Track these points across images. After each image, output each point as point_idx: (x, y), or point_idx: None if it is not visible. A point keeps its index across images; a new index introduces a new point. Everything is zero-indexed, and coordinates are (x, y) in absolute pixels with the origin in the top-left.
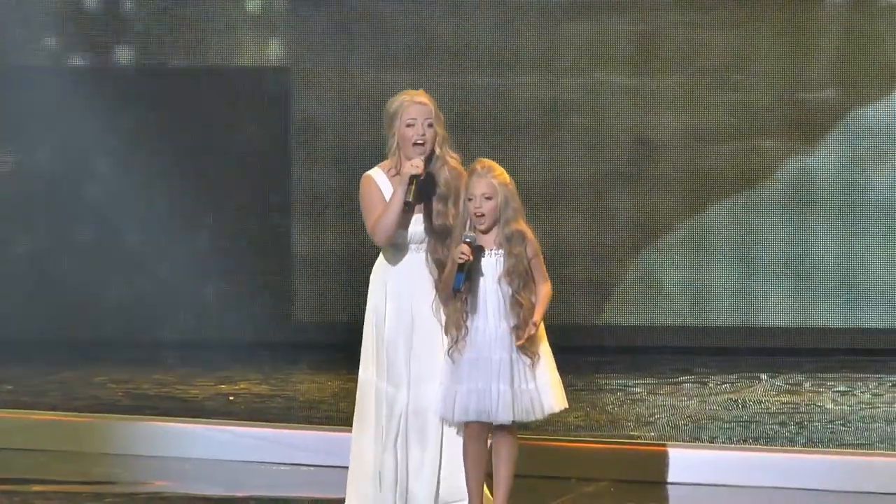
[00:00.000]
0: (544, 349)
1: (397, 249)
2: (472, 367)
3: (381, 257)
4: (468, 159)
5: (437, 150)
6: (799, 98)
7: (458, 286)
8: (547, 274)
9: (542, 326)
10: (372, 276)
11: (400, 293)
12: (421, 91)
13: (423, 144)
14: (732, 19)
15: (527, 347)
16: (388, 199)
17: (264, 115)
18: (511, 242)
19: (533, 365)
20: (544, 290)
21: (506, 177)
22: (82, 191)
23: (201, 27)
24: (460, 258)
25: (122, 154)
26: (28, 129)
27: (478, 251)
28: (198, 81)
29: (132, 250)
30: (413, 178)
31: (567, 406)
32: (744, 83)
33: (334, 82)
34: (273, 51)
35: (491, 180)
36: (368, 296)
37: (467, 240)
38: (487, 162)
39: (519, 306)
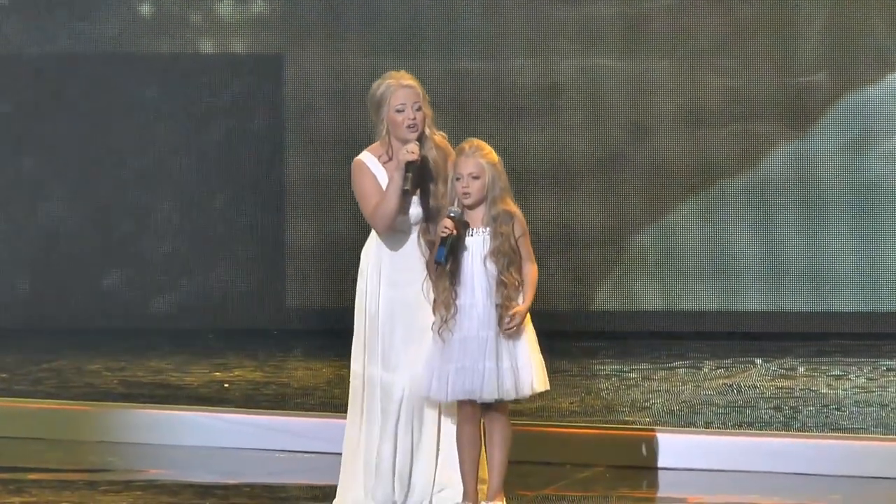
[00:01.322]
0: (528, 329)
1: (395, 232)
2: (461, 346)
3: (373, 238)
4: (458, 143)
5: (427, 131)
6: (789, 82)
7: (439, 259)
8: (533, 254)
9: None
10: (363, 258)
11: (397, 277)
12: (404, 73)
13: (414, 128)
14: (722, 1)
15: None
16: (382, 185)
17: (257, 101)
18: (497, 222)
19: (515, 343)
20: (531, 273)
21: (494, 156)
22: (76, 177)
23: (193, 13)
24: (443, 232)
25: (110, 141)
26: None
27: (462, 227)
28: (189, 68)
29: (125, 237)
30: (409, 164)
31: (548, 388)
32: (734, 67)
33: (326, 68)
34: (265, 37)
35: (479, 160)
36: (359, 278)
37: (451, 214)
38: (476, 141)
39: (504, 286)
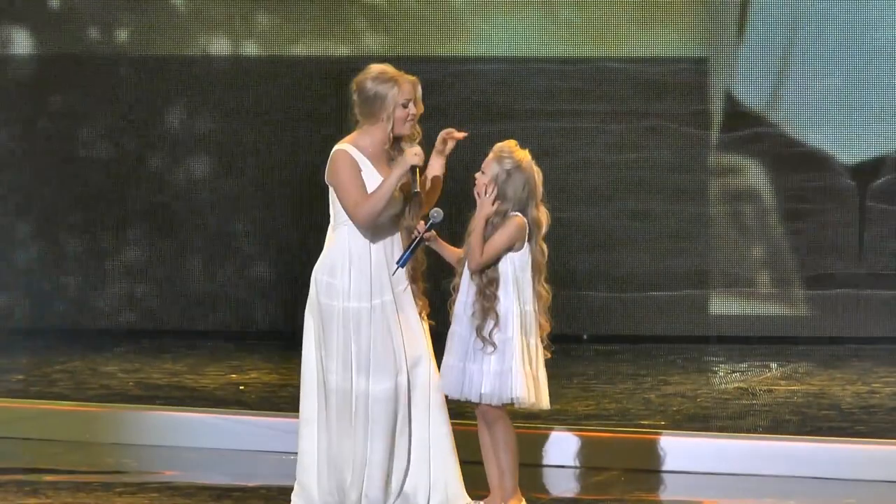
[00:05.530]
0: (510, 343)
1: (385, 232)
2: (451, 342)
3: (344, 238)
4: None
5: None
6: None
7: (400, 263)
8: (490, 255)
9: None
10: (336, 260)
11: (384, 280)
12: (390, 66)
13: (413, 123)
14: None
15: (481, 333)
16: (368, 178)
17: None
18: (492, 225)
19: (483, 350)
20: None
21: (511, 160)
22: (117, 175)
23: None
24: (415, 233)
25: (159, 143)
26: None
27: (435, 230)
28: (263, 70)
29: (154, 238)
30: (415, 167)
31: (545, 407)
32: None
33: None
34: (328, 40)
35: (490, 158)
36: (329, 277)
37: (430, 218)
38: (505, 143)
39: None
